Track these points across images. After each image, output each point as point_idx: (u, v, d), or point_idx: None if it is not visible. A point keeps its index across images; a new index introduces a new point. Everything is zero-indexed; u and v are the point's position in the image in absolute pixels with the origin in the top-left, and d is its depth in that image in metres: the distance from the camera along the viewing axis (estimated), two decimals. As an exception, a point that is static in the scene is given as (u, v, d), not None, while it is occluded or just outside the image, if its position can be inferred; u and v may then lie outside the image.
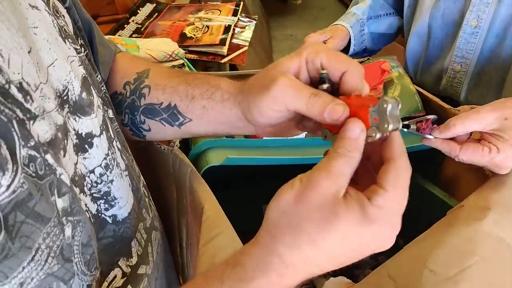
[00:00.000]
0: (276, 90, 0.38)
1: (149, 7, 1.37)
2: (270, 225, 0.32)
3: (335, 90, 0.38)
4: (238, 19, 1.32)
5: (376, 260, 0.81)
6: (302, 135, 0.72)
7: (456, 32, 0.89)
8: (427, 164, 0.75)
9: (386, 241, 0.32)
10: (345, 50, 1.08)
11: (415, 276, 0.44)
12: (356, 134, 0.32)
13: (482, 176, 0.58)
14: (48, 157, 0.30)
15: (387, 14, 1.09)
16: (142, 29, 1.23)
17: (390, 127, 0.32)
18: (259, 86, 0.40)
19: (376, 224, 0.30)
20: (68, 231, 0.32)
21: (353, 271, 0.80)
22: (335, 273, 0.68)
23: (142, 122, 0.52)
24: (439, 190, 0.74)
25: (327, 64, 0.38)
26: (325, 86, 0.38)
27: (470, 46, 0.86)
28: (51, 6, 0.39)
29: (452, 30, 0.91)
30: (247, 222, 0.70)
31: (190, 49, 1.12)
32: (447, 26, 0.92)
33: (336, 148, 0.32)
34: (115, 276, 0.40)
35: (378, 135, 0.32)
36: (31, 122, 0.30)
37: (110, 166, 0.41)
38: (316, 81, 0.39)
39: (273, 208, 0.32)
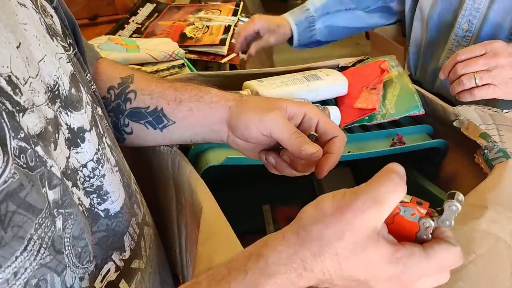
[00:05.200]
0: (269, 117, 0.47)
1: (149, 7, 1.37)
2: (301, 227, 0.33)
3: None
4: (238, 19, 1.32)
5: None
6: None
7: (450, 33, 0.91)
8: (427, 164, 0.75)
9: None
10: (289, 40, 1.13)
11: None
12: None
13: (482, 175, 0.58)
14: (39, 149, 0.31)
15: (347, 9, 1.11)
16: (142, 29, 1.23)
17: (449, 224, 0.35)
18: (257, 108, 0.48)
19: (401, 269, 0.32)
20: (59, 223, 0.32)
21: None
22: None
23: (126, 125, 0.54)
24: (439, 189, 0.73)
25: (324, 126, 0.49)
26: None
27: (461, 48, 0.87)
28: (38, 5, 0.40)
29: (446, 30, 0.93)
30: (247, 222, 0.70)
31: (190, 49, 1.12)
32: (442, 26, 0.94)
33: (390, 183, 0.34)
34: (109, 270, 0.41)
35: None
36: (21, 114, 0.30)
37: (102, 161, 0.41)
38: None
39: (308, 212, 0.34)
